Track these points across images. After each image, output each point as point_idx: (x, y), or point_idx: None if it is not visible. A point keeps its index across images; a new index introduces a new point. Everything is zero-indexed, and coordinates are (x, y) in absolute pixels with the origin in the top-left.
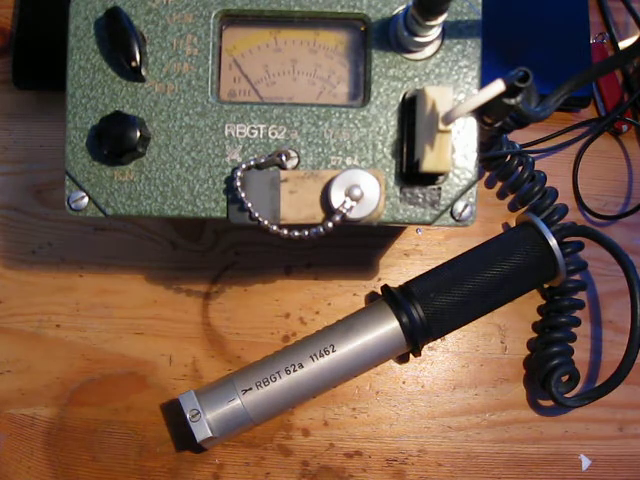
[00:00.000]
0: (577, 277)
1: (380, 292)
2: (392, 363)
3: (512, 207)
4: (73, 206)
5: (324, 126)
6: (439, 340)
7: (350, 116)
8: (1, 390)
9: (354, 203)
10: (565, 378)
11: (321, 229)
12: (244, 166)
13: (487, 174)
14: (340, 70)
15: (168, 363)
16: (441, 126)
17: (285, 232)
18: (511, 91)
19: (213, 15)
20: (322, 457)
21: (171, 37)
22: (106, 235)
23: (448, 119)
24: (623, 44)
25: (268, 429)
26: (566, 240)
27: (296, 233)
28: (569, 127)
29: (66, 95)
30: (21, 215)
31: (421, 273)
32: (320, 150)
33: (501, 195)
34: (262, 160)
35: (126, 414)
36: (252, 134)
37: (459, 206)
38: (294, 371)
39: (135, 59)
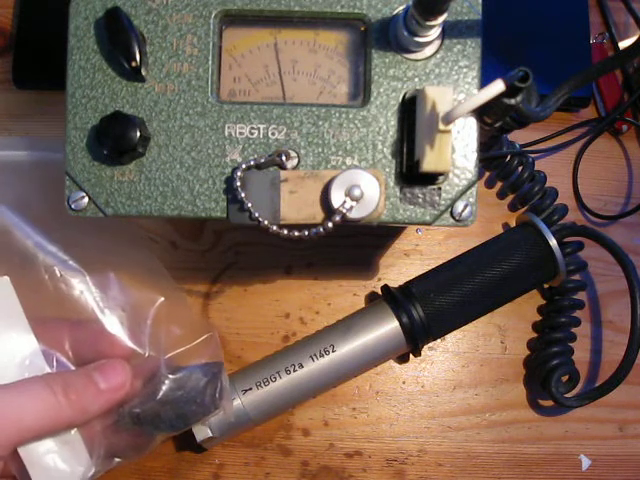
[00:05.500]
0: (577, 277)
1: (380, 292)
2: (392, 363)
3: (512, 207)
4: (73, 206)
5: (324, 126)
6: (439, 340)
7: (350, 116)
8: None
9: (354, 203)
10: (565, 378)
11: (321, 229)
12: (244, 166)
13: (487, 174)
14: (340, 70)
15: None
16: (441, 126)
17: (285, 232)
18: (511, 91)
19: (213, 15)
20: (322, 457)
21: (171, 37)
22: None
23: (448, 119)
24: (623, 44)
25: (268, 429)
26: (566, 240)
27: (296, 233)
28: (569, 127)
29: (66, 95)
30: None
31: (421, 273)
32: (320, 150)
33: (501, 195)
34: (262, 160)
35: None
36: (252, 134)
37: (459, 206)
38: (294, 371)
39: (135, 59)
